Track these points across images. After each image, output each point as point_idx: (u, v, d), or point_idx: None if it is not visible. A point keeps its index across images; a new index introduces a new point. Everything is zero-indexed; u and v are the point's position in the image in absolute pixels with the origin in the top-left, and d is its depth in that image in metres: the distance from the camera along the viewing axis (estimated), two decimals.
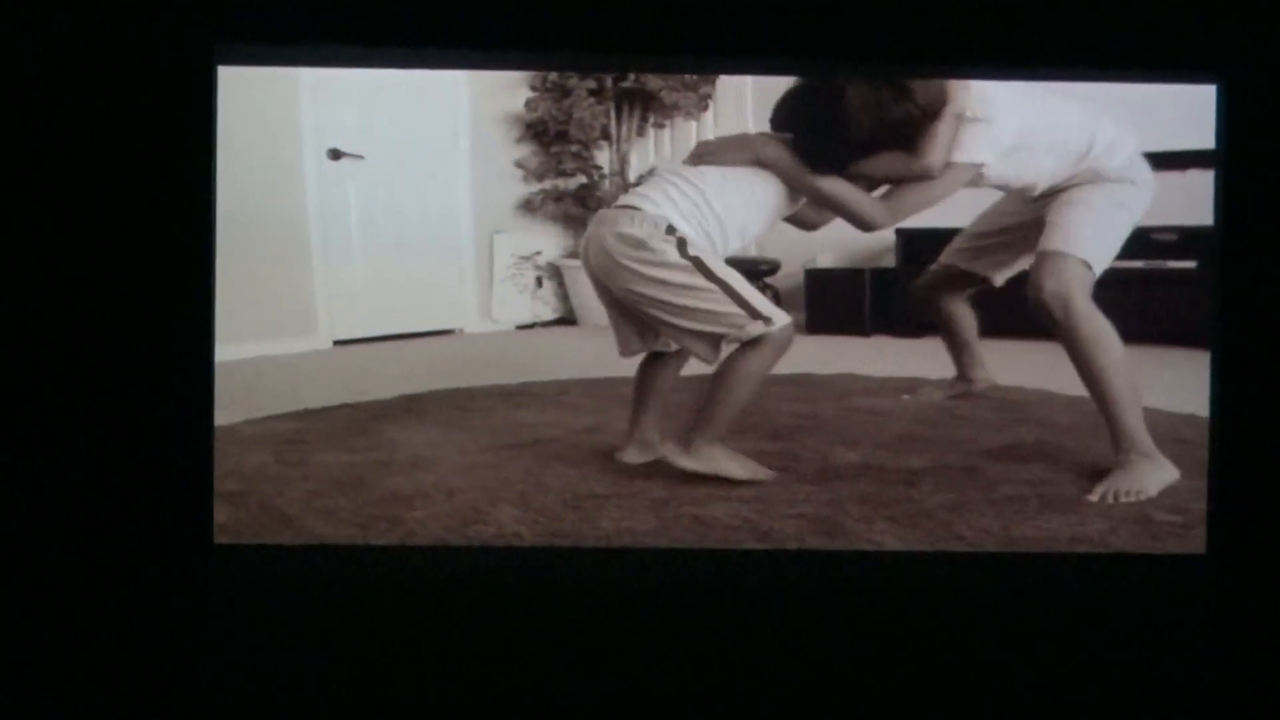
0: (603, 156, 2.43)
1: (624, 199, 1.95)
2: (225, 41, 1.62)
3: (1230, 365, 1.67)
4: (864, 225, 1.95)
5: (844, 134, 1.87)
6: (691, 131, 2.40)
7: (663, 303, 1.86)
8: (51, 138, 1.60)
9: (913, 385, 2.21)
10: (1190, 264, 2.00)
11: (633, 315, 1.95)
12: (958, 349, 2.14)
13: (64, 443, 1.61)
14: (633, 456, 1.98)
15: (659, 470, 1.93)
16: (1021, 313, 1.91)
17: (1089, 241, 1.87)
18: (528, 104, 2.40)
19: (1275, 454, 1.66)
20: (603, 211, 1.99)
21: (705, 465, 1.86)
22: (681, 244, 1.86)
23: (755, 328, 1.83)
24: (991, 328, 2.12)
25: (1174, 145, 1.94)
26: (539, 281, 2.50)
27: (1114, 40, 1.66)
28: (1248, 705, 1.66)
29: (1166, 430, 1.87)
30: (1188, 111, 1.73)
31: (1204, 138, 1.71)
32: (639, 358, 1.99)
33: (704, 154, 1.95)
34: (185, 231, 1.62)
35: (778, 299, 2.17)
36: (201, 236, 1.63)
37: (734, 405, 1.87)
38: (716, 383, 1.87)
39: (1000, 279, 2.06)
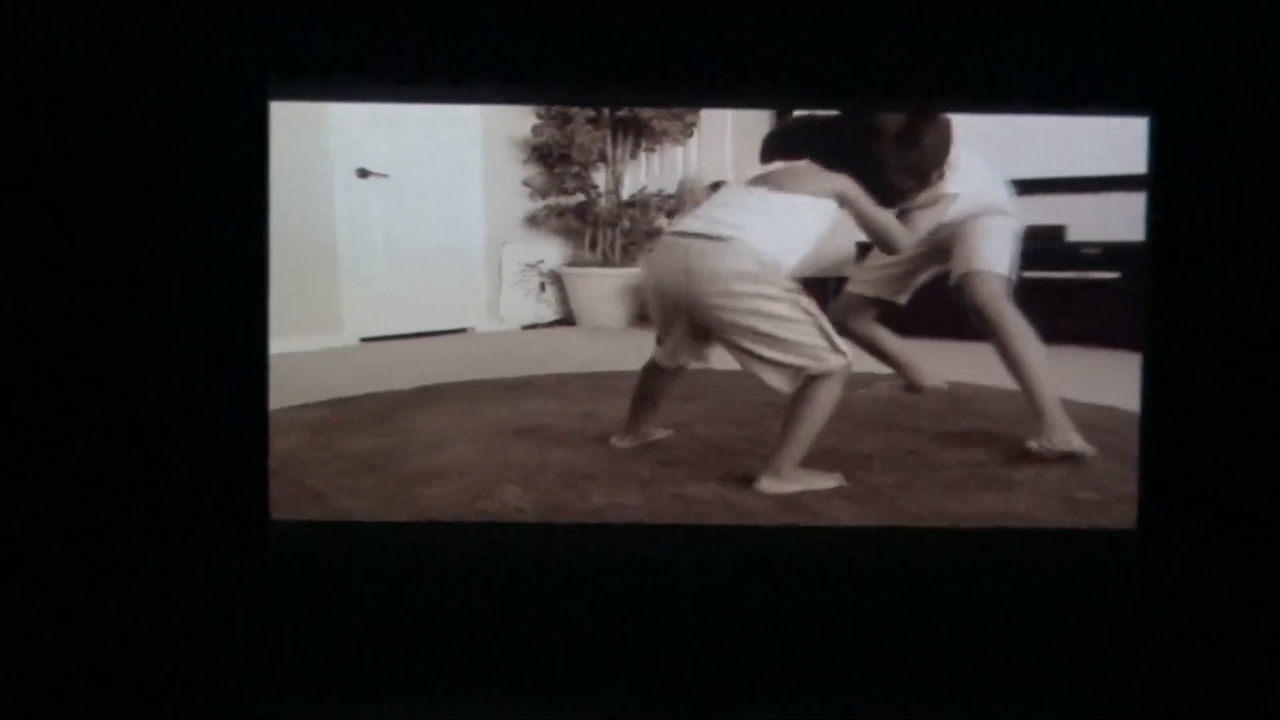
0: (599, 177, 2.56)
1: (710, 228, 1.87)
2: (277, 83, 1.71)
3: (1158, 360, 1.76)
4: (895, 249, 2.05)
5: (926, 171, 1.97)
6: (678, 155, 2.55)
7: (757, 333, 1.81)
8: (136, 170, 1.67)
9: (869, 381, 2.29)
10: (1113, 274, 2.17)
11: (699, 336, 1.91)
12: (894, 365, 2.27)
13: (144, 429, 1.68)
14: (624, 443, 2.05)
15: (647, 454, 2.01)
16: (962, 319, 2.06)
17: (1003, 259, 2.06)
18: (534, 130, 2.53)
19: (1197, 438, 1.74)
20: (684, 241, 1.89)
21: (801, 485, 1.85)
22: (782, 275, 1.84)
23: (834, 360, 1.82)
24: (946, 330, 2.22)
25: (1101, 171, 2.12)
26: (542, 286, 2.59)
27: (1053, 77, 1.74)
28: (1182, 666, 1.74)
29: (1090, 420, 1.97)
30: (1112, 141, 1.84)
31: (1129, 164, 1.80)
32: (640, 360, 2.02)
33: (780, 184, 1.92)
34: (242, 246, 1.70)
35: None
36: (257, 251, 1.71)
37: (812, 433, 1.84)
38: (795, 416, 1.84)
39: (904, 299, 2.21)
